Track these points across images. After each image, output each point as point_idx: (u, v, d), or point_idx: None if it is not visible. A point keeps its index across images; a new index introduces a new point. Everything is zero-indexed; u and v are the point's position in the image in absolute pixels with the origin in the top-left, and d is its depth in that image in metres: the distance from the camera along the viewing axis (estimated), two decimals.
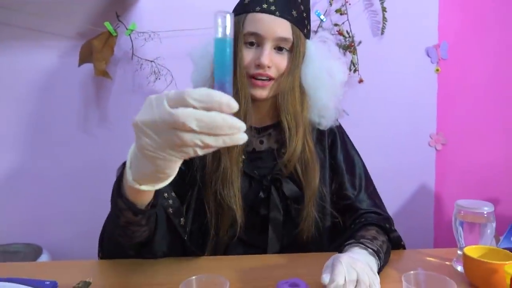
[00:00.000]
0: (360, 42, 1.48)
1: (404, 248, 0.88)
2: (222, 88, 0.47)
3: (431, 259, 0.81)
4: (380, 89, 1.58)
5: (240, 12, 0.85)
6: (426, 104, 1.61)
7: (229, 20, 0.46)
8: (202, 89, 0.45)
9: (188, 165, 0.89)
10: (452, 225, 0.77)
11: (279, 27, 0.82)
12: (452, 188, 1.63)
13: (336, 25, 1.50)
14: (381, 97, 1.58)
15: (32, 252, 1.42)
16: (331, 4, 1.49)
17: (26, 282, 0.65)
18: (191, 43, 1.45)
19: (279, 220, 0.89)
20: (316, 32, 1.48)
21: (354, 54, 1.48)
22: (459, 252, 0.74)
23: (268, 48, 0.82)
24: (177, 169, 0.52)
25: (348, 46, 1.47)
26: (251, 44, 0.84)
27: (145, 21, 1.46)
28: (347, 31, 1.48)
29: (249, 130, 0.87)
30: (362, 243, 0.72)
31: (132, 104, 1.53)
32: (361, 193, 0.93)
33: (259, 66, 0.82)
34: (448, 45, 1.58)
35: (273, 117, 0.92)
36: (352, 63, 1.49)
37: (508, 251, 0.68)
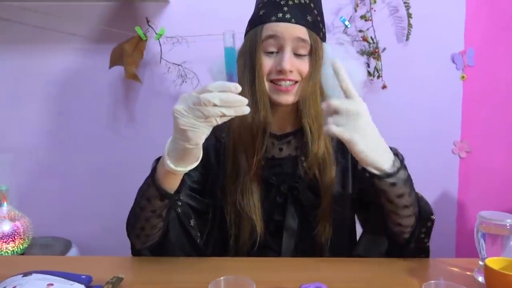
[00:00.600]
0: (384, 49, 1.48)
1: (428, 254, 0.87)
2: (231, 78, 0.70)
3: (452, 268, 0.81)
4: (404, 95, 1.57)
5: (256, 24, 0.87)
6: (450, 111, 1.59)
7: (232, 36, 0.71)
8: (217, 82, 0.67)
9: (207, 174, 0.93)
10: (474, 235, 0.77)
11: (296, 30, 0.84)
12: (475, 196, 1.61)
13: (360, 31, 1.50)
14: (404, 103, 1.58)
15: (62, 245, 1.49)
16: (356, 10, 1.50)
17: (63, 275, 0.69)
18: (217, 47, 1.51)
19: (293, 228, 0.91)
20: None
21: (378, 60, 1.48)
22: (480, 263, 0.75)
23: (288, 52, 0.83)
24: (202, 139, 0.69)
25: (372, 53, 1.47)
26: (271, 53, 0.86)
27: (173, 26, 1.51)
28: (371, 37, 1.49)
29: (269, 137, 0.90)
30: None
31: (159, 106, 1.58)
32: None
33: (281, 71, 0.84)
34: (475, 51, 1.56)
35: (293, 124, 0.93)
36: (376, 69, 1.50)
37: None
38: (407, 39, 1.53)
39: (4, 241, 1.32)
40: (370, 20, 1.49)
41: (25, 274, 0.68)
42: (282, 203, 0.92)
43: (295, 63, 0.85)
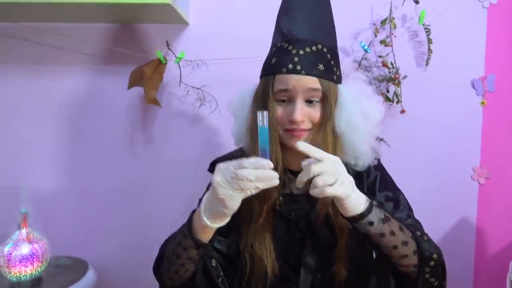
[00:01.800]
0: (405, 76, 1.47)
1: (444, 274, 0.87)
2: (264, 153, 0.76)
3: None
4: (422, 120, 1.56)
5: (268, 72, 0.89)
6: (470, 137, 1.58)
7: (266, 115, 0.76)
8: (252, 158, 0.74)
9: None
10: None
11: (307, 82, 0.85)
12: (494, 223, 1.59)
13: (380, 56, 1.50)
14: (423, 128, 1.57)
15: (79, 267, 1.49)
16: (376, 36, 1.50)
17: None
18: (236, 71, 1.52)
19: (311, 265, 0.92)
20: (359, 64, 1.49)
21: (398, 86, 1.48)
22: None
23: (299, 103, 0.85)
24: (237, 206, 0.76)
25: (393, 79, 1.46)
26: (283, 101, 0.87)
27: (192, 49, 1.52)
28: (391, 63, 1.48)
29: (287, 174, 0.93)
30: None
31: (177, 128, 1.59)
32: (400, 213, 0.94)
33: (293, 122, 0.85)
34: (495, 77, 1.55)
35: None
36: (396, 94, 1.49)
37: None
38: (426, 64, 1.52)
39: (23, 264, 1.33)
40: (390, 45, 1.48)
41: None
42: (301, 239, 0.92)
43: (306, 111, 0.86)
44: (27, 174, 1.60)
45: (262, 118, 0.75)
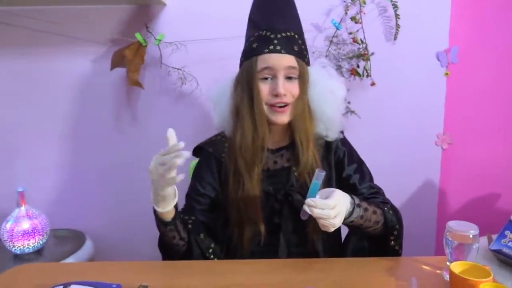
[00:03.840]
0: (373, 53, 1.56)
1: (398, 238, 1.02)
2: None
3: (425, 267, 0.95)
4: (391, 91, 1.67)
5: (251, 55, 1.01)
6: (434, 106, 1.70)
7: (323, 174, 0.85)
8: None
9: (217, 193, 1.09)
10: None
11: (287, 59, 0.99)
12: (456, 185, 1.75)
13: (350, 33, 1.58)
14: (391, 99, 1.68)
15: (77, 238, 1.62)
16: (346, 13, 1.57)
17: (97, 285, 0.82)
18: (214, 50, 1.58)
19: (289, 229, 1.06)
20: (331, 41, 1.57)
21: (367, 61, 1.57)
22: (448, 263, 0.88)
23: (281, 78, 0.98)
24: (169, 193, 0.90)
25: (362, 55, 1.55)
26: (266, 79, 0.99)
27: (171, 29, 1.57)
28: (361, 39, 1.57)
29: (266, 152, 1.04)
30: (351, 196, 0.92)
31: (160, 105, 1.67)
32: (365, 183, 1.09)
33: (277, 95, 0.98)
34: (459, 49, 1.65)
35: (285, 139, 1.08)
36: (365, 69, 1.59)
37: (488, 269, 0.81)
38: (395, 39, 1.61)
39: (25, 238, 1.45)
40: (360, 22, 1.56)
41: (65, 285, 0.81)
42: (279, 209, 1.06)
43: (287, 86, 0.99)
44: (20, 156, 1.69)
45: (320, 176, 0.85)
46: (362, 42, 1.57)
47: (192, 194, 1.09)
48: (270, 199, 1.06)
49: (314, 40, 1.61)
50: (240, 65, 1.06)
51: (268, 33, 1.00)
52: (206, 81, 1.57)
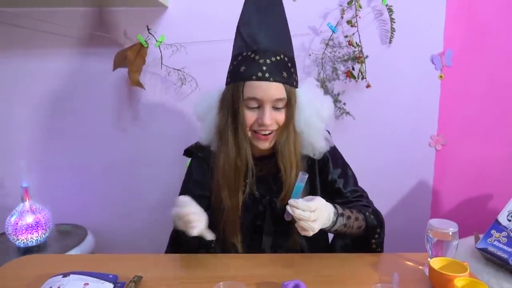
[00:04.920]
0: (367, 56, 1.60)
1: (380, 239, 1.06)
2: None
3: (408, 263, 0.99)
4: (386, 93, 1.71)
5: (237, 79, 0.99)
6: (428, 107, 1.74)
7: (306, 178, 0.89)
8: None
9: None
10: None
11: (274, 90, 0.97)
12: (449, 185, 1.78)
13: (346, 36, 1.62)
14: (386, 101, 1.72)
15: (79, 232, 1.67)
16: (342, 17, 1.61)
17: (95, 275, 0.87)
18: (214, 52, 1.63)
19: (271, 232, 1.10)
20: (327, 44, 1.61)
21: (362, 64, 1.61)
22: (429, 259, 0.92)
23: (268, 109, 0.97)
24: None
25: (357, 58, 1.59)
26: (252, 107, 0.99)
27: (172, 31, 1.62)
28: (356, 42, 1.61)
29: (252, 160, 1.04)
30: (334, 205, 0.96)
31: (161, 105, 1.72)
32: (350, 187, 1.12)
33: (262, 125, 0.98)
34: (453, 53, 1.68)
35: (269, 150, 1.06)
36: (360, 71, 1.63)
37: (466, 264, 0.85)
38: (390, 42, 1.65)
39: (29, 232, 1.50)
40: (356, 26, 1.60)
41: (65, 275, 0.86)
42: (263, 211, 1.10)
43: (273, 116, 0.99)
44: (26, 153, 1.75)
45: (303, 179, 0.89)
46: (357, 45, 1.61)
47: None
48: (255, 202, 1.10)
49: (310, 42, 1.65)
50: (226, 81, 1.04)
51: (257, 57, 0.96)
52: (205, 82, 1.62)
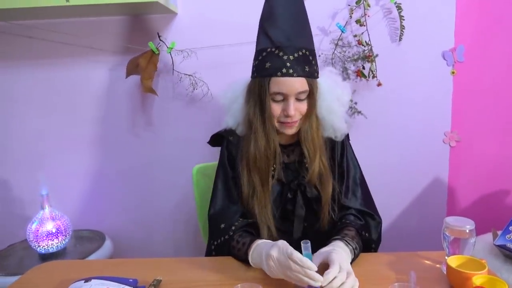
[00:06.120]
0: (377, 55, 1.60)
1: (375, 250, 1.11)
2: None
3: (425, 261, 0.99)
4: (398, 91, 1.70)
5: (264, 74, 1.05)
6: (441, 104, 1.72)
7: (309, 244, 0.87)
8: (308, 262, 0.84)
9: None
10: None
11: (298, 84, 1.04)
12: (464, 182, 1.76)
13: (355, 35, 1.62)
14: (398, 98, 1.71)
15: (97, 238, 1.70)
16: (351, 17, 1.61)
17: (116, 280, 0.89)
18: (224, 56, 1.65)
19: (301, 216, 1.14)
20: (336, 44, 1.62)
21: (372, 62, 1.60)
22: (446, 257, 0.92)
23: (292, 101, 1.05)
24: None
25: (367, 57, 1.59)
26: (278, 100, 1.06)
27: (182, 37, 1.65)
28: (366, 41, 1.60)
29: (279, 148, 1.12)
30: (346, 241, 0.97)
31: (174, 110, 1.74)
32: (351, 194, 1.16)
33: (287, 116, 1.06)
34: (465, 48, 1.66)
35: (294, 138, 1.16)
36: (371, 70, 1.62)
37: (484, 262, 0.85)
38: (400, 40, 1.64)
39: (49, 238, 1.54)
40: (365, 24, 1.59)
41: (86, 280, 0.88)
42: (292, 198, 1.14)
43: (297, 107, 1.07)
44: (45, 161, 1.79)
45: (306, 247, 0.87)
46: (367, 44, 1.61)
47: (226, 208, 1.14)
48: (284, 188, 1.15)
49: (320, 43, 1.66)
50: (252, 74, 1.11)
51: (281, 53, 1.03)
52: (216, 86, 1.64)
